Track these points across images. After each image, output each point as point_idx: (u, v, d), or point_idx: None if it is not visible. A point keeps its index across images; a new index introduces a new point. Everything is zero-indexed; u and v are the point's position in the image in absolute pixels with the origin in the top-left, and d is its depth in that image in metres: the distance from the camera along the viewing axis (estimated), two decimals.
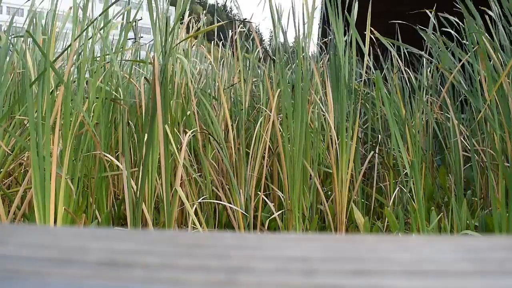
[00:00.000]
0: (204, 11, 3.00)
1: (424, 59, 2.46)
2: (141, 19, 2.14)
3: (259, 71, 2.59)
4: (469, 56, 1.91)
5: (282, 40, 2.20)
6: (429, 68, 2.54)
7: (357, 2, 2.01)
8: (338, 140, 1.85)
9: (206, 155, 1.95)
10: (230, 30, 2.56)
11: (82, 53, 1.71)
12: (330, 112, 1.95)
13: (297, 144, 1.77)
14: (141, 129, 1.86)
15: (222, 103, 2.04)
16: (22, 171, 1.85)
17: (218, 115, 2.12)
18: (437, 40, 2.19)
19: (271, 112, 1.89)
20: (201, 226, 1.52)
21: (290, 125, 1.81)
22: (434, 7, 2.25)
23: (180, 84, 1.98)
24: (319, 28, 3.97)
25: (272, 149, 2.07)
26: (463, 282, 0.19)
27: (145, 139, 1.58)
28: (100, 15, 1.69)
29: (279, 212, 1.76)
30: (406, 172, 1.84)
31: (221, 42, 2.76)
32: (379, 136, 2.27)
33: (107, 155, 1.69)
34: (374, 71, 2.21)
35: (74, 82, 1.81)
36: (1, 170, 1.62)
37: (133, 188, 1.58)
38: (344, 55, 1.90)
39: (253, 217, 1.84)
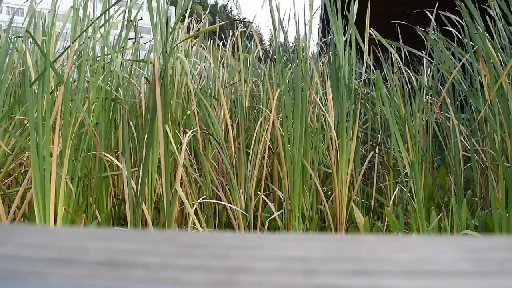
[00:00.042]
0: (207, 11, 3.00)
1: (425, 59, 2.46)
2: (141, 19, 2.13)
3: (259, 71, 2.59)
4: (469, 56, 1.91)
5: (282, 40, 2.20)
6: (429, 68, 2.54)
7: (356, 2, 2.01)
8: (338, 140, 1.85)
9: (206, 155, 1.95)
10: (230, 30, 2.56)
11: (82, 53, 1.71)
12: (330, 112, 1.95)
13: (297, 144, 1.77)
14: (141, 129, 1.86)
15: (222, 104, 2.04)
16: (22, 171, 1.85)
17: (218, 115, 2.12)
18: (437, 40, 2.19)
19: (271, 112, 1.89)
20: (201, 226, 1.52)
21: (290, 125, 1.81)
22: (436, 7, 2.25)
23: (180, 84, 1.98)
24: (319, 28, 3.97)
25: (272, 149, 2.07)
26: (463, 282, 0.19)
27: (145, 139, 1.58)
28: (100, 15, 1.69)
29: (279, 212, 1.76)
30: (406, 172, 1.84)
31: (221, 42, 2.76)
32: (379, 136, 2.27)
33: (107, 155, 1.69)
34: (374, 71, 2.21)
35: (74, 82, 1.81)
36: (1, 170, 1.62)
37: (133, 188, 1.58)
38: (344, 55, 1.90)
39: (253, 217, 1.84)
